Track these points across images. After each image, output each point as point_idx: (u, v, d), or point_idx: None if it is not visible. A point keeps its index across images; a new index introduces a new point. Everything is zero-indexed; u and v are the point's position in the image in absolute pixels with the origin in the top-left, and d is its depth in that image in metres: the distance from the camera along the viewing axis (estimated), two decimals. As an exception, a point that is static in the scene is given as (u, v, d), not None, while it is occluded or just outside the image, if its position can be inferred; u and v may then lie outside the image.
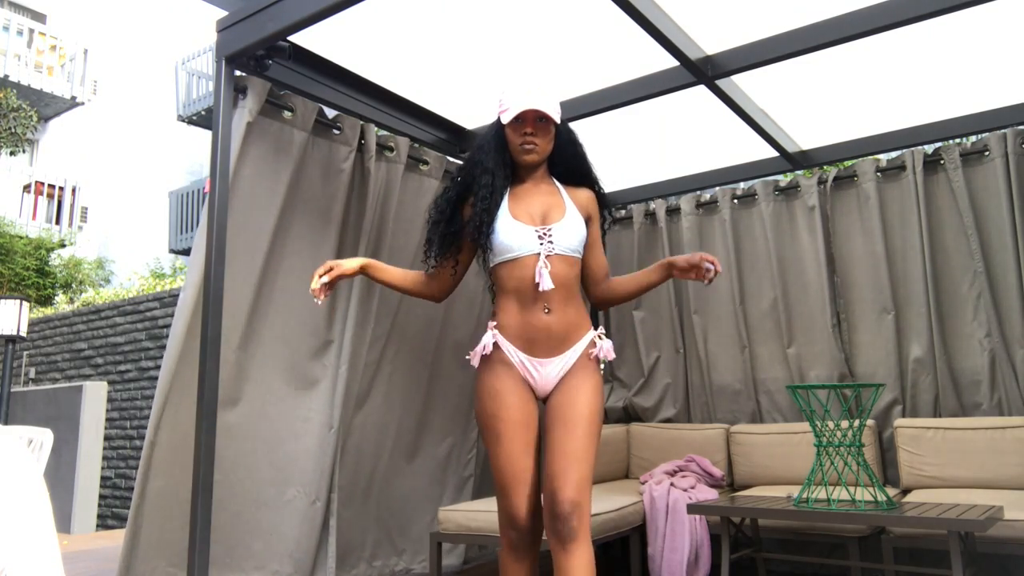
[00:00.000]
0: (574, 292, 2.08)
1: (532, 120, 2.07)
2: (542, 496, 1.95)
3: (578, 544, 1.85)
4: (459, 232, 2.15)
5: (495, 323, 2.09)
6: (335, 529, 3.04)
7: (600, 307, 2.25)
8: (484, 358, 2.08)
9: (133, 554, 2.53)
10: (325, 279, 2.08)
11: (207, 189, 2.64)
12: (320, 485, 3.01)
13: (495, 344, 2.06)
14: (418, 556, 3.53)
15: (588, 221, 2.18)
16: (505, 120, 2.08)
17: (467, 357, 2.13)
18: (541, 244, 2.03)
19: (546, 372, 2.04)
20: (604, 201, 2.24)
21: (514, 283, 2.04)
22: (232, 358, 2.76)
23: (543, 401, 2.09)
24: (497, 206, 2.09)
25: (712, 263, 2.05)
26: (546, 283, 1.99)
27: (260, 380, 2.88)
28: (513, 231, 2.04)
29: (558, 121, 2.12)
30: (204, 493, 2.41)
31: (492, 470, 2.04)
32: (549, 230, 2.04)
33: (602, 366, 2.16)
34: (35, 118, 12.84)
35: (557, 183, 2.18)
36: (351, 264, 2.14)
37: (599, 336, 2.11)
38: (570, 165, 2.19)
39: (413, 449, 3.60)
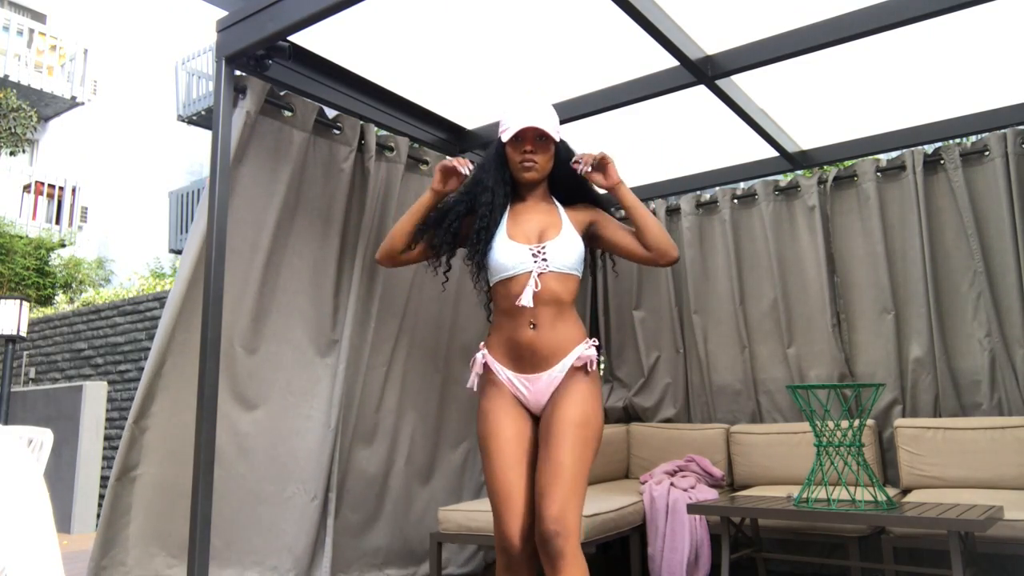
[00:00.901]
0: (566, 308, 2.09)
1: (532, 138, 2.11)
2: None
3: (566, 562, 1.83)
4: (449, 240, 2.19)
5: (485, 343, 2.14)
6: (332, 529, 3.05)
7: (666, 258, 2.13)
8: (479, 379, 2.13)
9: (116, 537, 2.53)
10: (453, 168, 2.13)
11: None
12: (318, 483, 3.01)
13: (485, 364, 2.10)
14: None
15: (594, 225, 2.19)
16: (505, 139, 2.12)
17: (468, 386, 2.16)
18: (535, 262, 2.05)
19: (536, 388, 2.06)
20: (604, 208, 2.26)
21: (507, 301, 2.07)
22: (234, 356, 2.77)
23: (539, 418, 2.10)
24: (496, 224, 2.12)
25: (582, 159, 2.12)
26: (526, 300, 2.00)
27: (263, 378, 2.89)
28: (508, 251, 2.07)
29: (557, 139, 2.14)
30: (204, 490, 2.41)
31: (487, 490, 2.05)
32: (543, 248, 2.07)
33: (601, 370, 2.15)
34: (35, 118, 12.83)
35: (556, 203, 2.21)
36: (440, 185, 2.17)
37: (588, 347, 2.10)
38: (570, 183, 2.21)
39: (430, 456, 3.59)
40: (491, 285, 2.14)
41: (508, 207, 2.17)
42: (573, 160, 2.14)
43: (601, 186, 2.15)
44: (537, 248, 2.07)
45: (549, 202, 2.21)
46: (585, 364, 2.06)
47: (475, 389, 2.14)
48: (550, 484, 1.88)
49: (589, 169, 2.13)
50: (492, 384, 2.09)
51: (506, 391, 2.07)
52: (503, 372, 2.08)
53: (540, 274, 2.03)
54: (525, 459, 2.02)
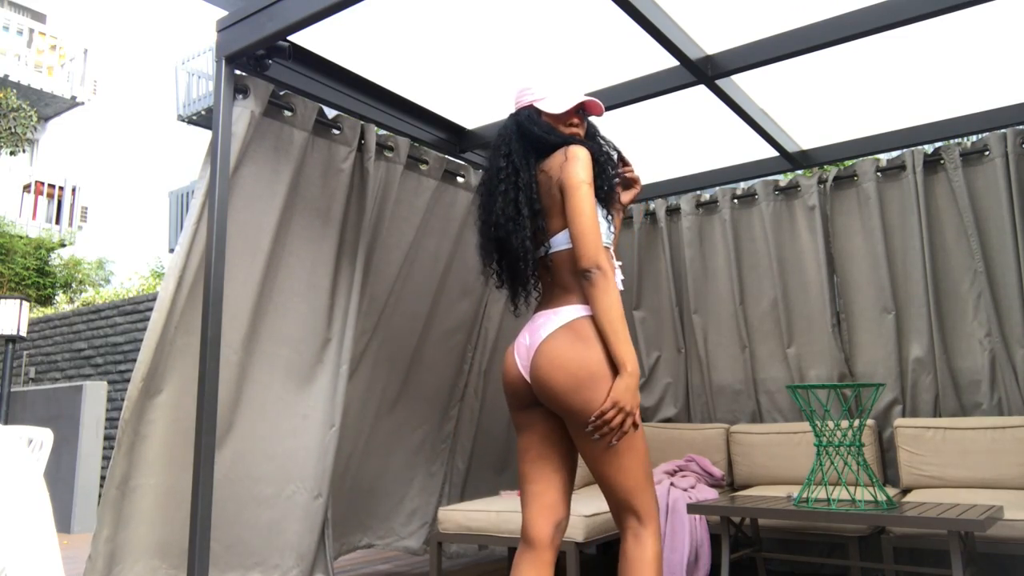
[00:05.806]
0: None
1: (577, 112, 2.01)
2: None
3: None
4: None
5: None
6: (332, 522, 3.09)
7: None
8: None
9: (121, 549, 2.52)
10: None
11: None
12: (322, 481, 3.02)
13: None
14: (378, 533, 3.62)
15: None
16: (561, 108, 1.96)
17: None
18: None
19: None
20: None
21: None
22: (233, 359, 2.76)
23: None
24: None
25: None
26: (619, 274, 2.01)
27: (258, 379, 2.88)
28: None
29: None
30: (204, 494, 2.40)
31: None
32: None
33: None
34: (35, 118, 12.83)
35: None
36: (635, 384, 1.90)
37: None
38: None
39: (386, 432, 3.66)
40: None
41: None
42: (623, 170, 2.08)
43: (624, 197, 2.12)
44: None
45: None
46: None
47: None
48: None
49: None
50: None
51: None
52: None
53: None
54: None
